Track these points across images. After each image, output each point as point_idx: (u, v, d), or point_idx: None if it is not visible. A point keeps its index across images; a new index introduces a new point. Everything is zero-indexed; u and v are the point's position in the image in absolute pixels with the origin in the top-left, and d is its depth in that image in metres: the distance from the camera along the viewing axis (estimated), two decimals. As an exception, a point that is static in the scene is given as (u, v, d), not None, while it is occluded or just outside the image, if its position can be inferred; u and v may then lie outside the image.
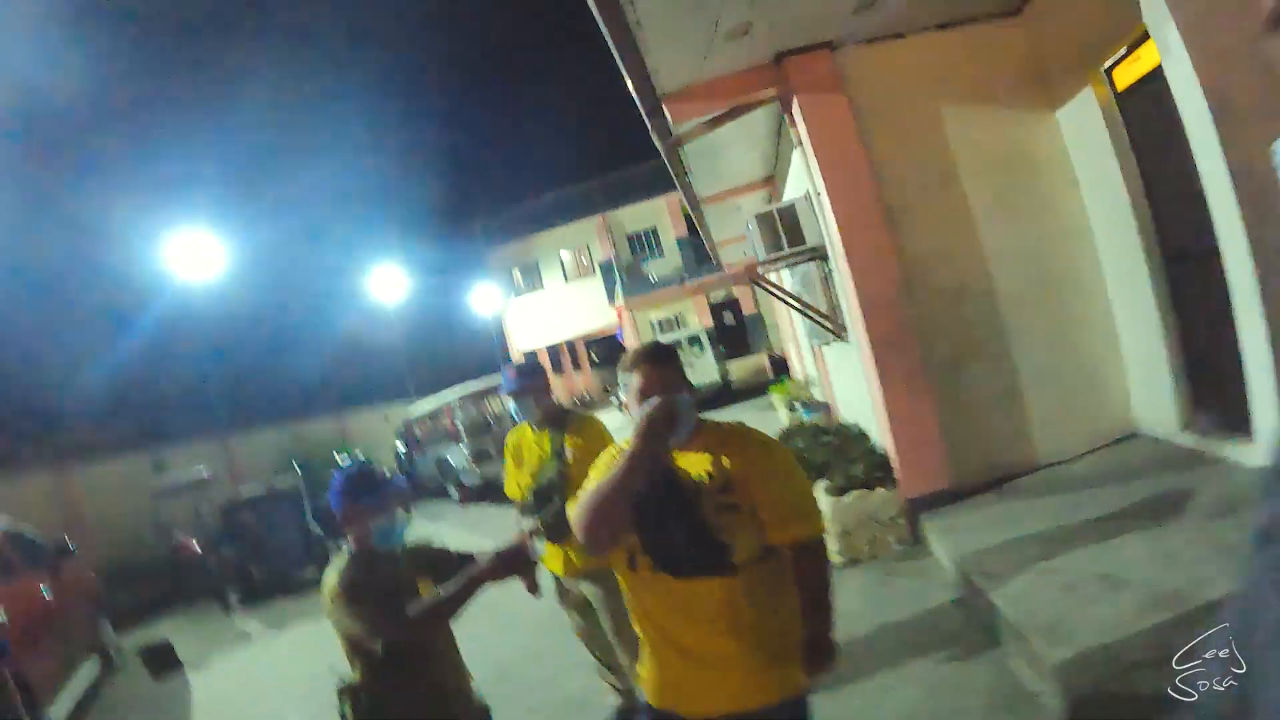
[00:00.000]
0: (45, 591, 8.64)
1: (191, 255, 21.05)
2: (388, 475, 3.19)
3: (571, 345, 40.65)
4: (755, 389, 23.00)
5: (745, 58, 6.50)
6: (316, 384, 31.06)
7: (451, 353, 37.65)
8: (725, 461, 2.42)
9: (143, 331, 24.41)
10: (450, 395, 19.56)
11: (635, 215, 35.17)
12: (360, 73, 64.52)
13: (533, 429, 4.67)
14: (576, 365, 41.45)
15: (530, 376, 4.62)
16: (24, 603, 8.02)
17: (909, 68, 6.67)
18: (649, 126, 7.44)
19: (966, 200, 6.61)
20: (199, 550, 14.46)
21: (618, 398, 32.23)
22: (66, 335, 23.15)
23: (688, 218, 20.89)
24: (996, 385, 6.65)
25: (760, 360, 28.32)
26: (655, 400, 2.37)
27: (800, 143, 7.07)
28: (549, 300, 37.27)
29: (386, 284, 32.06)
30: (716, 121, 7.46)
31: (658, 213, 34.33)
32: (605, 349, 40.35)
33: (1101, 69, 5.88)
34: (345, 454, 19.11)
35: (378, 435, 28.43)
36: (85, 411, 21.20)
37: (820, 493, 6.79)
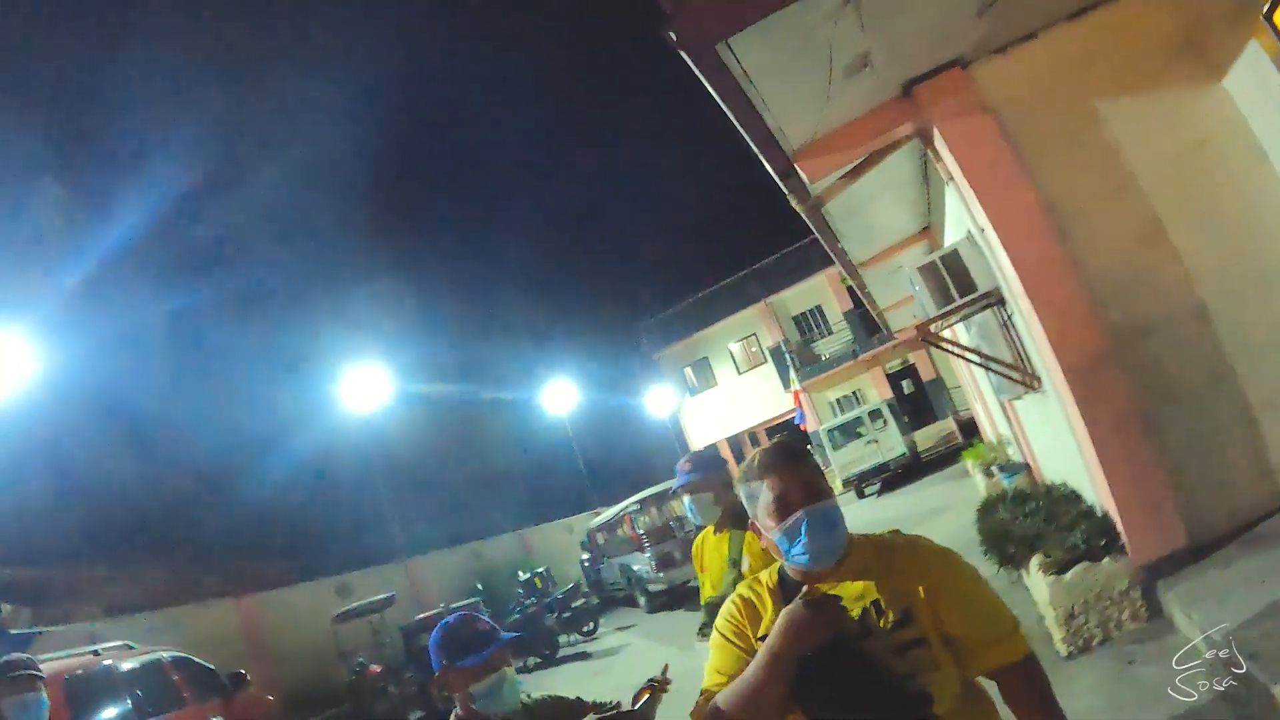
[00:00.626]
0: None
1: (366, 387, 22.07)
2: (491, 627, 2.68)
3: (753, 435, 39.98)
4: (946, 457, 21.65)
5: (872, 94, 5.91)
6: (496, 501, 31.51)
7: (634, 459, 37.63)
8: (897, 585, 1.93)
9: (324, 460, 25.52)
10: (630, 502, 19.28)
11: (798, 296, 34.52)
12: (515, 200, 67.21)
13: (714, 531, 3.94)
14: (759, 454, 40.63)
15: (704, 469, 3.92)
16: None
17: (1050, 69, 5.89)
18: (785, 191, 6.95)
19: (1148, 203, 5.69)
20: (380, 673, 14.46)
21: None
22: (247, 466, 24.40)
23: (851, 290, 20.12)
24: (1224, 416, 5.56)
25: (947, 425, 26.85)
26: (807, 597, 1.85)
27: (951, 177, 6.38)
28: (724, 394, 36.74)
29: (558, 397, 32.47)
30: (855, 172, 6.87)
31: (819, 290, 33.55)
32: (786, 435, 39.08)
33: (1261, 15, 4.92)
34: (528, 571, 18.99)
35: (562, 548, 28.33)
36: (268, 542, 22.19)
37: (1035, 571, 5.86)
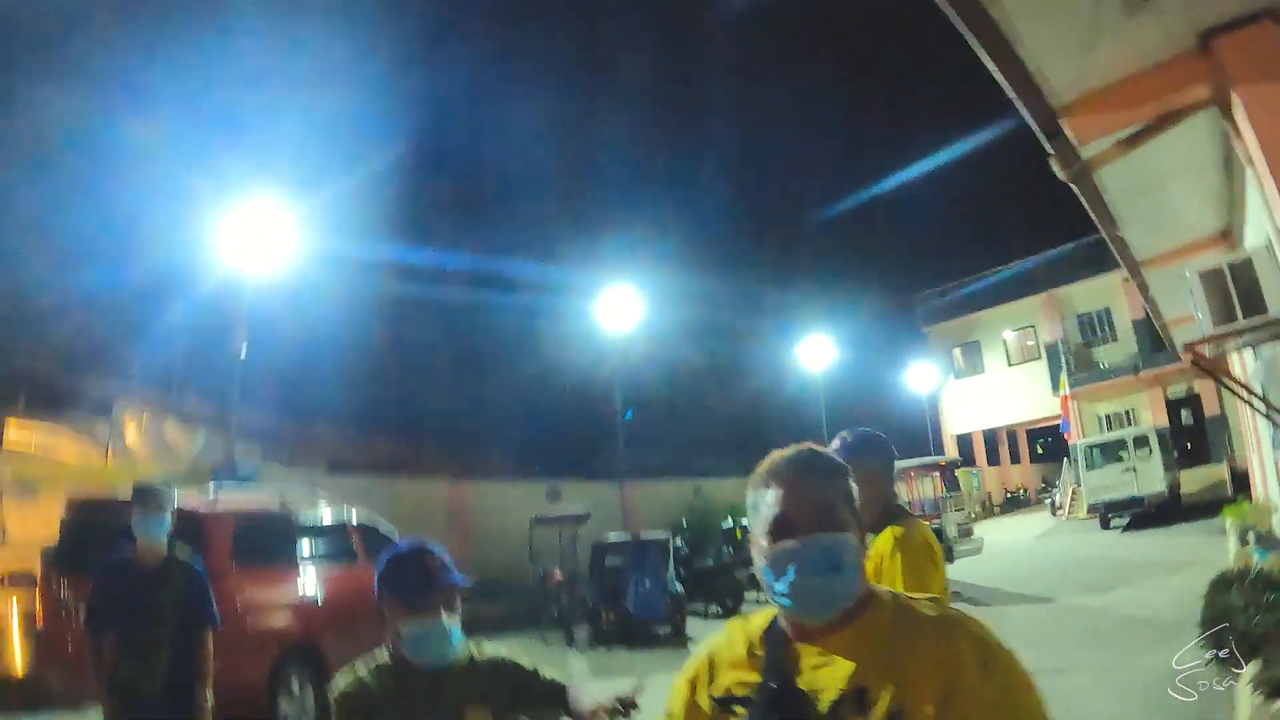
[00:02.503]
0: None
1: (621, 307, 22.42)
2: (442, 568, 2.34)
3: (1012, 434, 37.61)
4: (1208, 507, 19.22)
5: (1158, 43, 4.97)
6: (728, 444, 31.41)
7: (878, 429, 36.40)
8: (905, 675, 1.41)
9: (568, 372, 26.30)
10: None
11: (1086, 293, 31.59)
12: (799, 150, 65.86)
13: None
14: (1015, 457, 38.28)
15: (858, 452, 3.28)
16: (354, 588, 8.29)
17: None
18: (1048, 152, 6.11)
19: None
20: (560, 582, 14.76)
21: (1052, 498, 29.06)
22: (493, 362, 25.53)
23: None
24: None
25: (1218, 472, 23.86)
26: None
27: (1250, 161, 5.30)
28: (990, 383, 34.66)
29: (814, 353, 31.60)
30: (1135, 140, 5.88)
31: (1111, 291, 30.35)
32: (1049, 441, 36.65)
33: None
34: (735, 520, 18.73)
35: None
36: (497, 437, 23.22)
37: (1245, 683, 4.84)
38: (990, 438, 36.25)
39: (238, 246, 12.97)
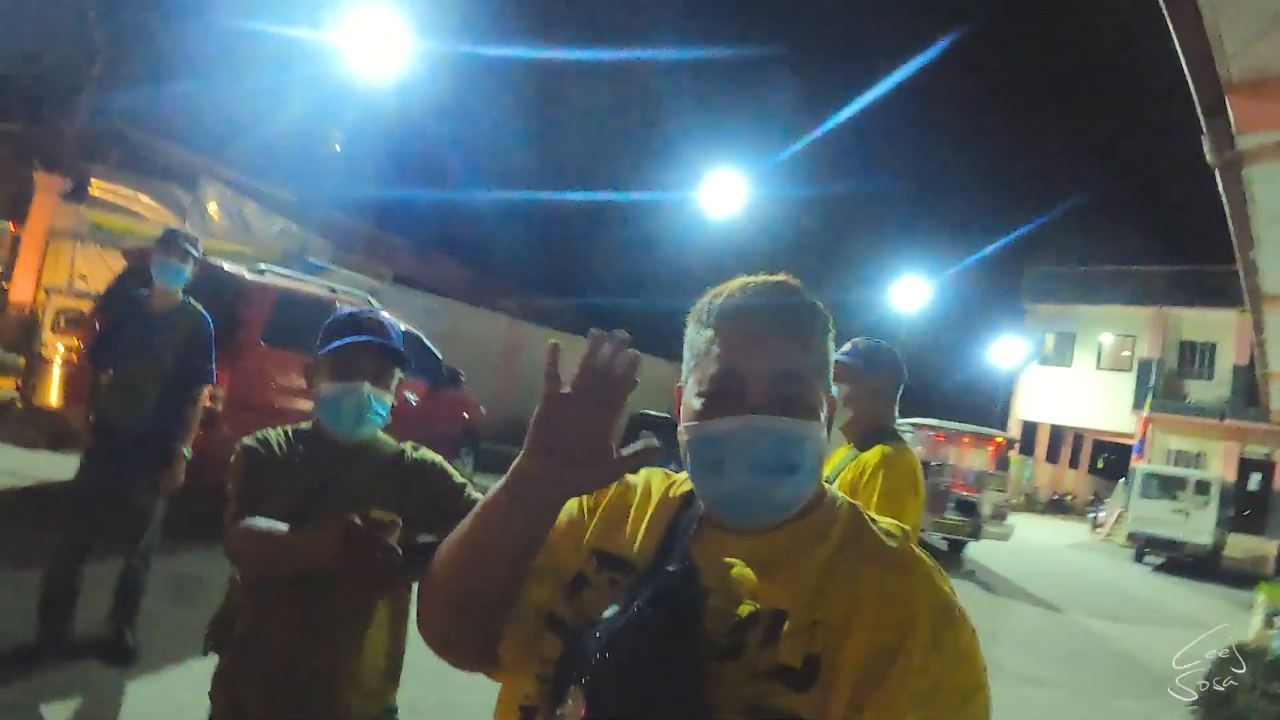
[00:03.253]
0: (411, 397, 8.94)
1: (722, 192, 22.19)
2: (385, 328, 2.12)
3: (1078, 437, 36.65)
4: (1246, 577, 18.50)
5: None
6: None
7: (945, 389, 35.55)
8: (837, 606, 1.04)
9: (658, 246, 26.20)
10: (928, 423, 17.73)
11: (1196, 322, 30.35)
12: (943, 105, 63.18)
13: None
14: (1074, 461, 37.37)
15: (869, 361, 3.16)
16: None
17: None
18: (1204, 133, 5.58)
19: None
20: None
21: (1097, 513, 28.29)
22: (582, 222, 25.44)
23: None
24: None
25: (1268, 547, 22.97)
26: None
27: None
28: (1072, 379, 33.69)
29: (909, 294, 30.46)
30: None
31: (1223, 328, 29.01)
32: (1112, 457, 35.61)
33: None
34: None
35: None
36: (568, 289, 23.30)
37: None
38: (1056, 434, 35.46)
39: (353, 44, 12.86)
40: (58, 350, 9.76)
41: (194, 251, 4.43)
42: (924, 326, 32.21)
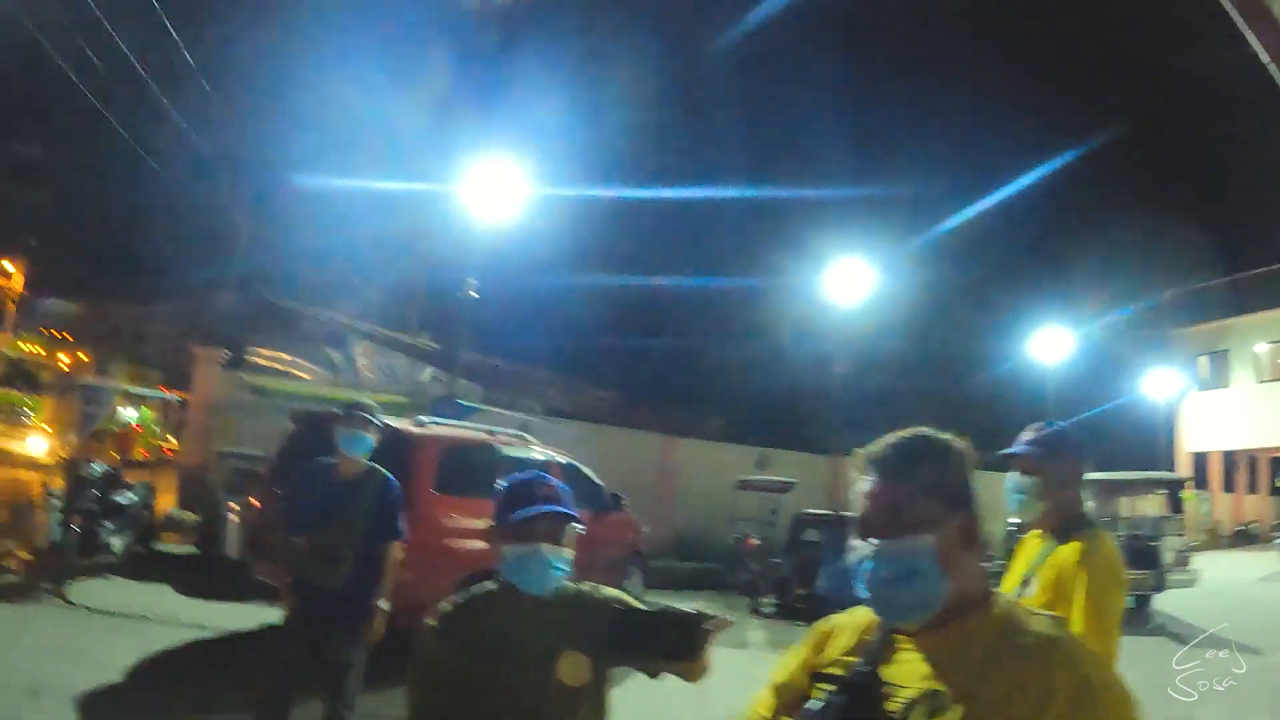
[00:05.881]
0: (578, 527, 9.22)
1: (848, 280, 21.92)
2: (555, 495, 2.34)
3: (1252, 459, 33.99)
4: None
5: None
6: (945, 429, 30.24)
7: (1102, 437, 33.86)
8: (991, 692, 1.36)
9: (786, 342, 26.02)
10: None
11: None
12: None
13: (1036, 534, 3.13)
14: (1252, 485, 34.63)
15: (1054, 447, 3.05)
16: None
17: None
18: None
19: None
20: (754, 549, 14.69)
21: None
22: (715, 331, 25.61)
23: None
24: None
25: None
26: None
27: None
28: (1234, 399, 31.51)
29: (1049, 347, 29.35)
30: None
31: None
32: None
33: None
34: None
35: (990, 494, 26.71)
36: (712, 398, 23.36)
37: None
38: (1229, 460, 33.05)
39: (473, 195, 13.63)
40: (231, 508, 10.46)
41: (375, 420, 4.80)
42: (1071, 372, 30.94)
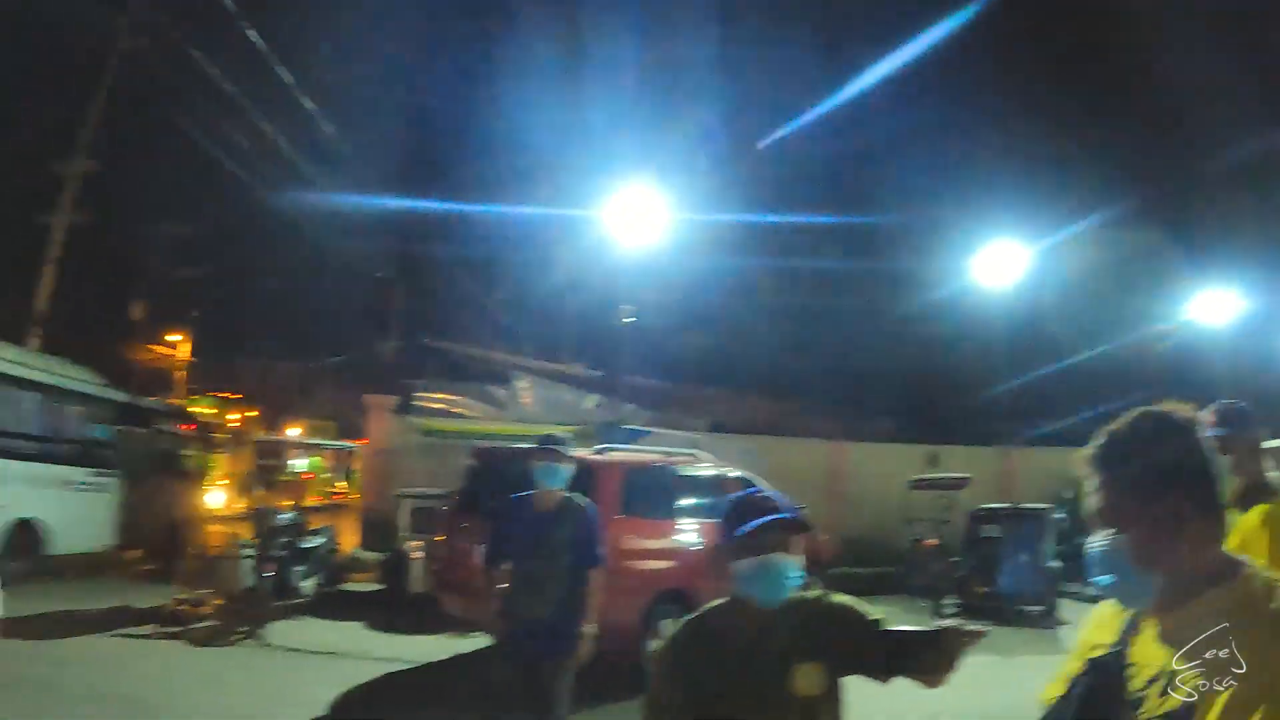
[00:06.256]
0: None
1: (1001, 262, 21.18)
2: (775, 506, 2.37)
3: None
4: None
5: None
6: (1121, 412, 28.67)
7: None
8: (1208, 668, 1.36)
9: (949, 332, 25.27)
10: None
11: None
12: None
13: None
14: None
15: (1234, 424, 3.17)
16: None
17: None
18: None
19: None
20: (932, 550, 14.35)
21: None
22: (871, 331, 25.08)
23: None
24: None
25: None
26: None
27: None
28: None
29: (1217, 307, 27.33)
30: None
31: None
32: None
33: None
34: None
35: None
36: (875, 399, 22.86)
37: None
38: None
39: (620, 221, 13.81)
40: (414, 546, 10.85)
41: (567, 453, 4.98)
42: (1248, 341, 28.93)
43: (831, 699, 2.24)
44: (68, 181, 15.31)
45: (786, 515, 2.34)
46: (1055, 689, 1.70)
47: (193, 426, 17.93)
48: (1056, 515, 14.27)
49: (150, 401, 17.27)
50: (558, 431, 5.28)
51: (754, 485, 9.95)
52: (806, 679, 2.18)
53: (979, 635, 2.10)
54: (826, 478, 18.28)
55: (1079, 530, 16.48)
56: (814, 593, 2.41)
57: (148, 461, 14.58)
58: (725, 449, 11.93)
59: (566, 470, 4.94)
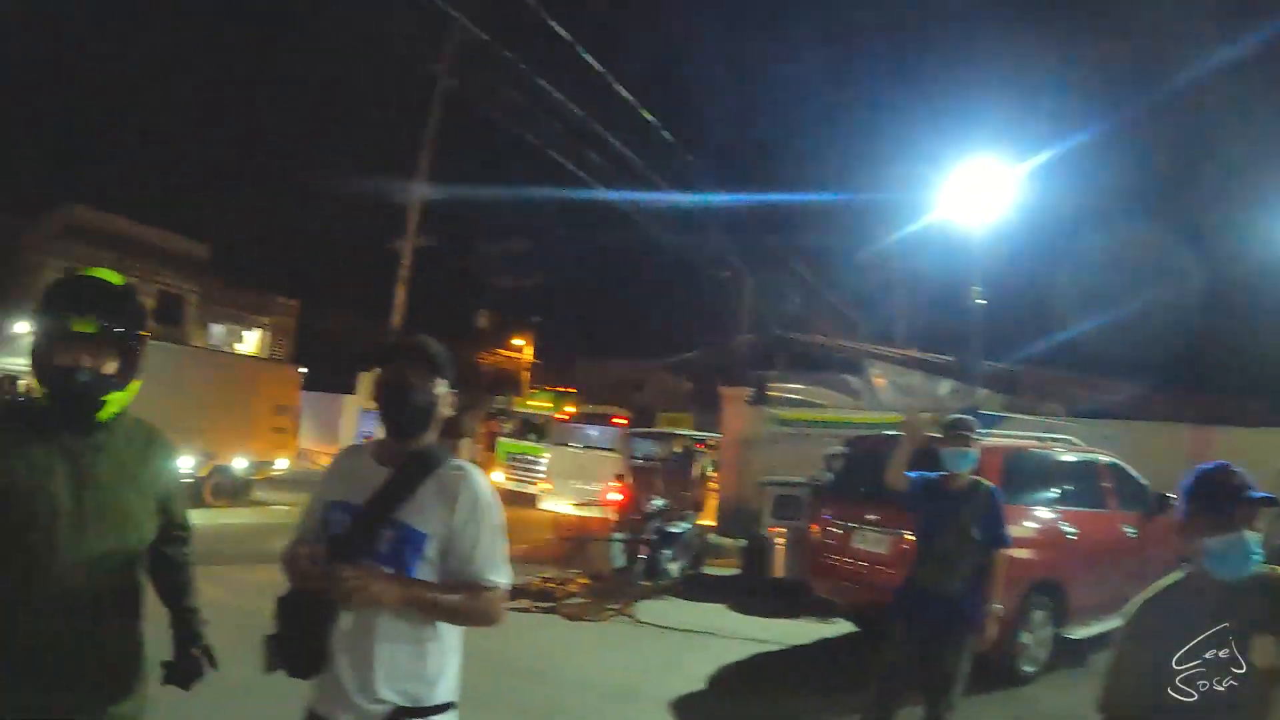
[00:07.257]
0: (1129, 530, 8.80)
1: None
2: (1247, 484, 2.39)
3: None
4: None
5: None
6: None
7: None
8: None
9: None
10: None
11: None
12: None
13: None
14: None
15: None
16: (1103, 530, 8.53)
17: None
18: None
19: None
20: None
21: None
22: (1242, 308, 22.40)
23: None
24: None
25: None
26: None
27: None
28: None
29: None
30: None
31: None
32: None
33: None
34: None
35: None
36: (1244, 381, 20.48)
37: None
38: None
39: (964, 205, 13.36)
40: (775, 532, 11.17)
41: (975, 436, 5.07)
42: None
43: None
44: (410, 210, 17.57)
45: (1261, 494, 2.40)
46: None
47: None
48: None
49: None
50: (968, 417, 5.29)
51: (1126, 471, 9.36)
52: (1263, 651, 2.24)
53: None
54: (1189, 462, 16.36)
55: None
56: (1268, 567, 2.44)
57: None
58: (1083, 434, 11.15)
59: (975, 454, 5.05)
